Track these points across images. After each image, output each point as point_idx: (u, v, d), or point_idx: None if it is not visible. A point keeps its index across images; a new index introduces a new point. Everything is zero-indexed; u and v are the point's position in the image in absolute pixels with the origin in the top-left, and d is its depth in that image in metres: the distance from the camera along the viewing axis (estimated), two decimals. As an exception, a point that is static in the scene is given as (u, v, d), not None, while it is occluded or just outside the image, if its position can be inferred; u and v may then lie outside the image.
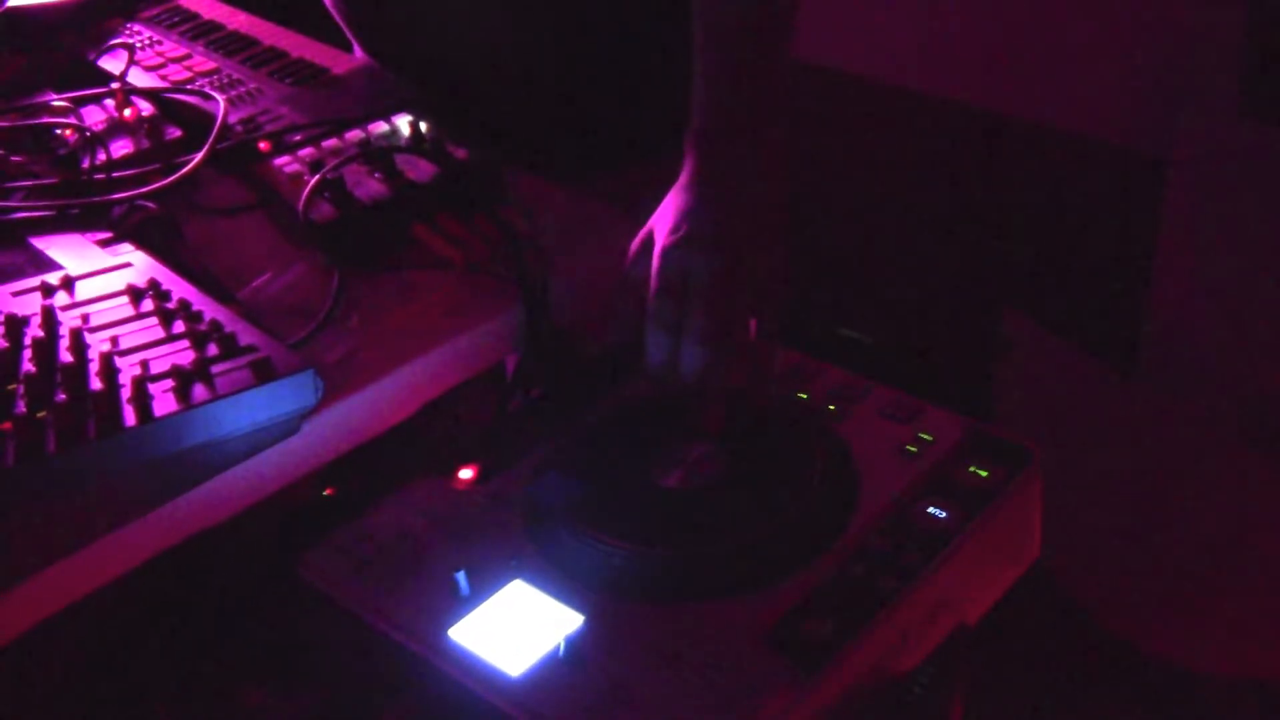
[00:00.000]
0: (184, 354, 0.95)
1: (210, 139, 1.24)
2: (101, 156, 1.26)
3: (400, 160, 1.17)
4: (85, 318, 1.01)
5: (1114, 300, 2.07)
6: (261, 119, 1.33)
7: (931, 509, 0.90)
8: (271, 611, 0.98)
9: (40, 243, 1.15)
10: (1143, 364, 2.03)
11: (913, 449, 0.96)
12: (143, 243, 1.14)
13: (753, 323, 1.01)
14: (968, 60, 1.31)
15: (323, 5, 1.45)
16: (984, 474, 0.93)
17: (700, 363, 0.98)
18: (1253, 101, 1.85)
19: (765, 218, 1.04)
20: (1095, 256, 2.08)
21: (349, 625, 0.90)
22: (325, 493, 1.05)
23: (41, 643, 0.90)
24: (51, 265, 1.11)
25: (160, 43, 1.55)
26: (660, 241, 1.03)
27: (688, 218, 1.03)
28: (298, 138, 1.27)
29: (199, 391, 0.90)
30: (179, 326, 0.98)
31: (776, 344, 1.03)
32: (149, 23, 1.60)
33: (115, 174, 1.23)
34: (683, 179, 1.07)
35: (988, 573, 0.93)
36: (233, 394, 0.90)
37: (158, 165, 1.25)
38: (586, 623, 0.85)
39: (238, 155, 1.27)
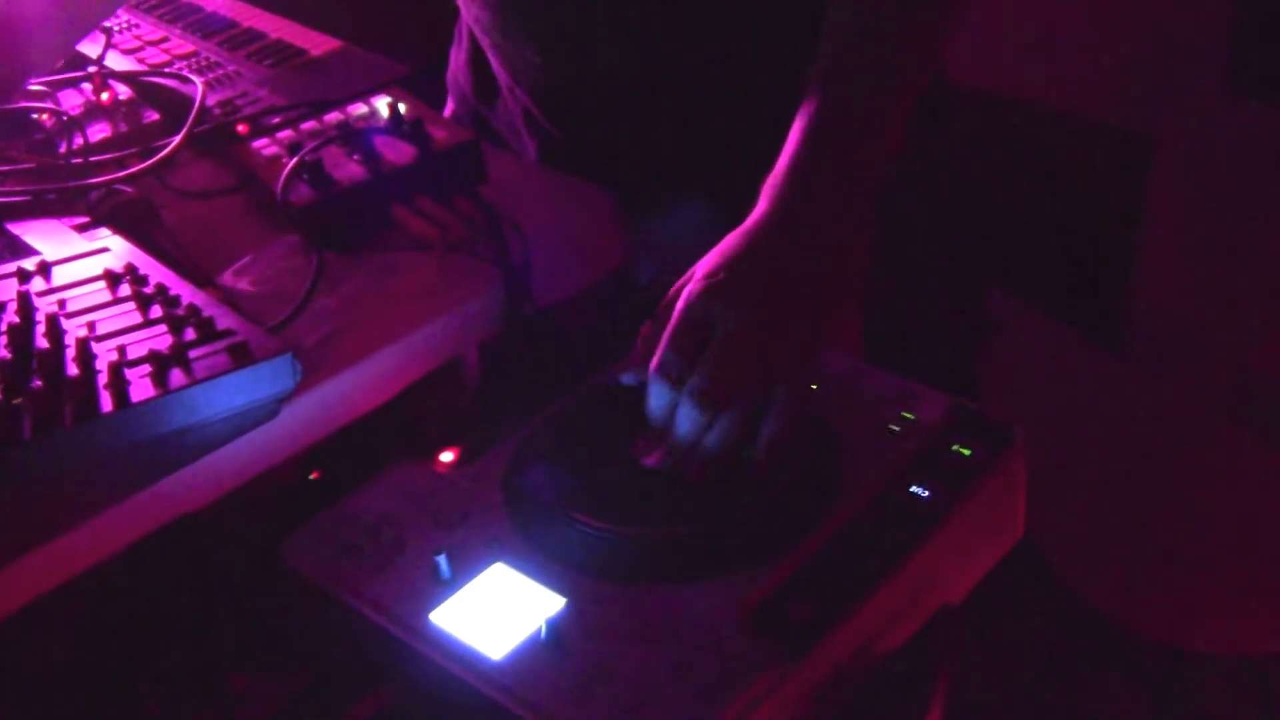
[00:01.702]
0: (161, 339, 0.94)
1: (188, 122, 1.23)
2: (78, 140, 1.25)
3: (379, 142, 1.16)
4: (62, 303, 1.01)
5: (1101, 278, 2.07)
6: (240, 101, 1.33)
7: (915, 488, 0.90)
8: (254, 596, 0.97)
9: (16, 228, 1.15)
10: (1130, 342, 2.03)
11: (896, 428, 0.96)
12: (120, 227, 1.14)
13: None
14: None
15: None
16: (967, 453, 0.92)
17: (691, 425, 0.92)
18: (1241, 78, 1.85)
19: (815, 292, 0.96)
20: (1082, 234, 2.08)
21: (331, 609, 0.90)
22: (312, 476, 1.05)
23: (22, 630, 0.89)
24: (28, 250, 1.11)
25: (137, 25, 1.54)
26: (693, 284, 0.95)
27: (729, 266, 0.95)
28: (276, 120, 1.27)
29: (176, 376, 0.90)
30: (156, 311, 0.98)
31: (782, 427, 0.93)
32: (126, 5, 1.59)
33: (92, 158, 1.23)
34: (745, 225, 0.98)
35: (971, 552, 0.93)
36: (210, 378, 0.89)
37: (135, 149, 1.24)
38: (568, 605, 0.85)
39: (216, 138, 1.27)
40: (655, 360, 0.94)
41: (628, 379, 0.97)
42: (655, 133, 1.28)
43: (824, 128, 1.00)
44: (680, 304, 0.95)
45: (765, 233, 0.97)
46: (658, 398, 0.94)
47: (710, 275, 0.95)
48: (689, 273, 0.97)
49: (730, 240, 0.97)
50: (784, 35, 1.04)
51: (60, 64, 1.38)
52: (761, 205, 0.98)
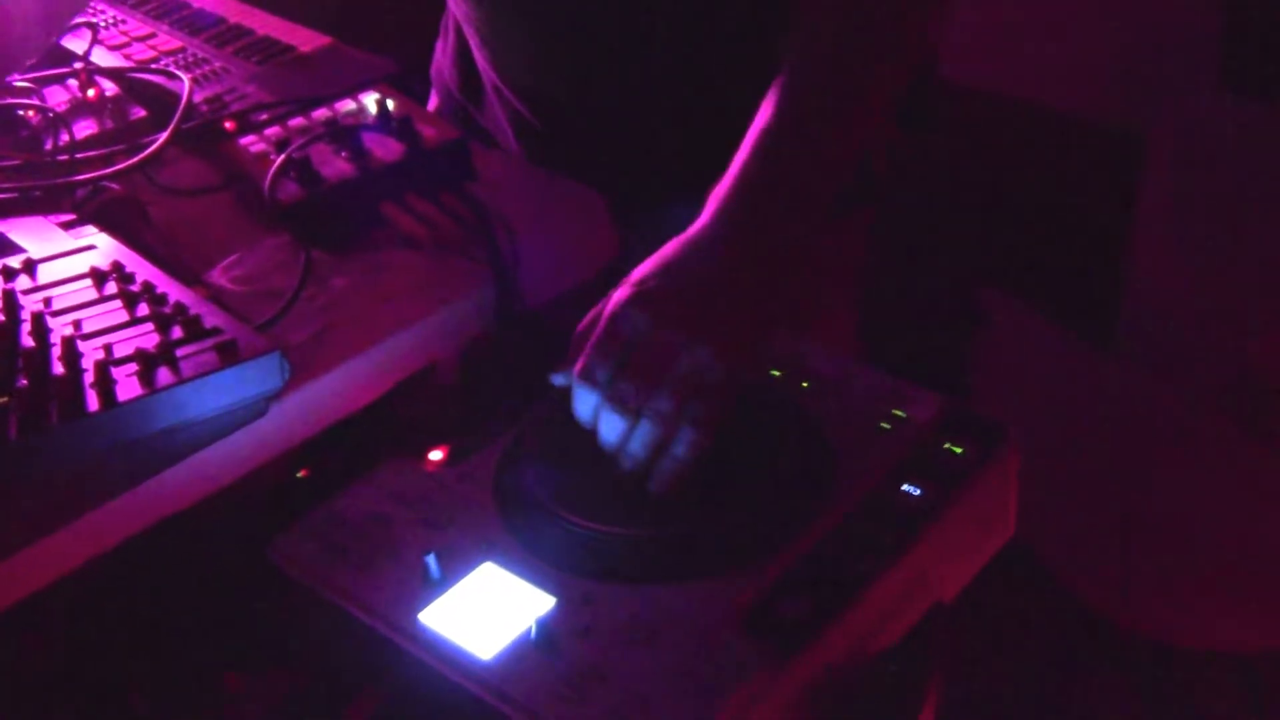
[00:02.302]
0: (148, 337, 0.94)
1: (175, 119, 1.23)
2: (65, 137, 1.25)
3: (368, 139, 1.16)
4: (47, 301, 1.01)
5: (1092, 274, 2.07)
6: (227, 98, 1.33)
7: (907, 487, 0.90)
8: (243, 597, 0.97)
9: (1, 225, 1.14)
10: (1121, 339, 2.04)
11: (887, 426, 0.96)
12: (106, 225, 1.13)
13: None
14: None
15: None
16: (959, 451, 0.92)
17: (613, 431, 0.92)
18: (1232, 75, 1.85)
19: (745, 309, 0.94)
20: (1073, 231, 2.08)
21: (319, 610, 0.90)
22: (300, 474, 1.05)
23: (10, 631, 0.89)
24: (13, 248, 1.10)
25: (124, 21, 1.53)
26: (621, 290, 0.94)
27: (661, 274, 0.94)
28: (264, 117, 1.27)
29: (163, 375, 0.89)
30: (143, 309, 0.98)
31: (691, 446, 0.91)
32: (112, 1, 1.59)
33: (78, 155, 1.23)
34: (685, 234, 0.97)
35: (963, 550, 0.93)
36: (198, 377, 0.89)
37: (122, 146, 1.24)
38: (559, 605, 0.85)
39: (203, 135, 1.27)
40: (579, 364, 0.93)
41: (558, 380, 0.96)
42: (646, 134, 1.28)
43: (775, 146, 0.99)
44: (607, 308, 0.94)
45: (702, 245, 0.96)
46: (581, 402, 0.94)
47: (641, 282, 0.94)
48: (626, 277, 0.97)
49: (668, 248, 0.96)
50: (778, 37, 1.04)
51: (35, 60, 1.37)
52: (704, 216, 0.97)
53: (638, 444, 0.92)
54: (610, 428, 0.92)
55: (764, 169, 0.98)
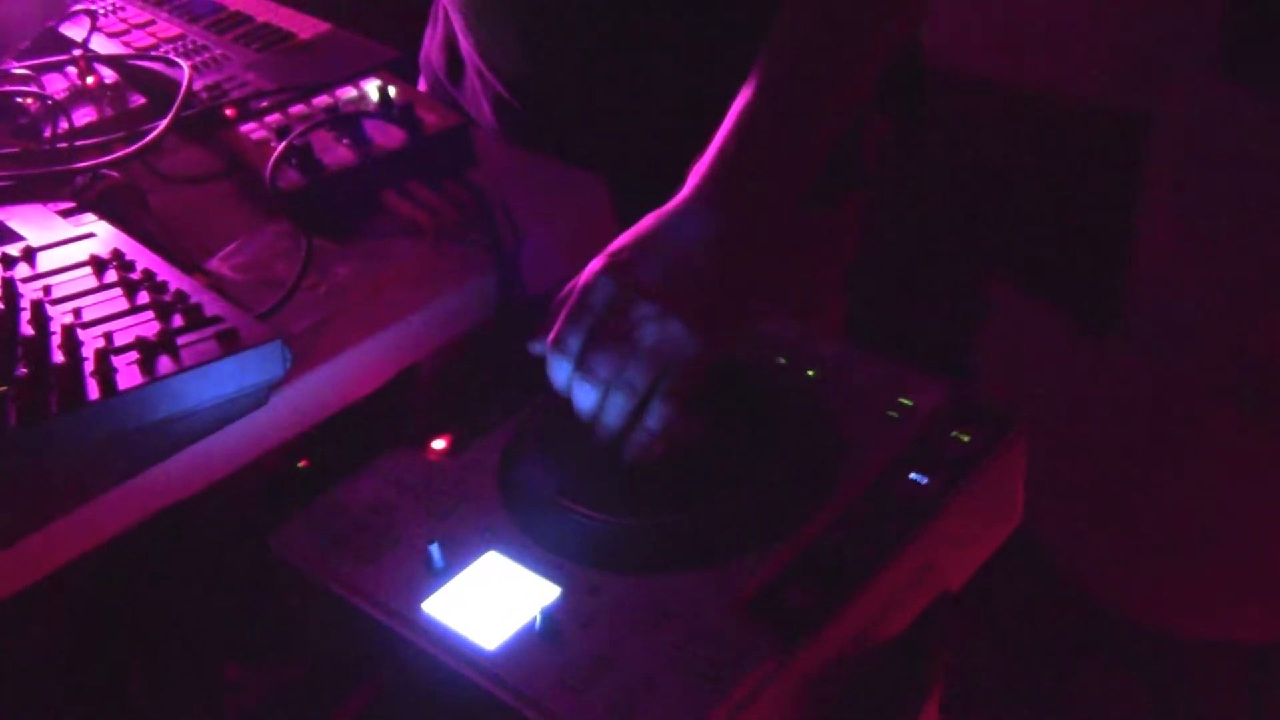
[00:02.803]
0: (148, 325, 0.94)
1: (175, 106, 1.22)
2: (64, 125, 1.24)
3: (369, 126, 1.15)
4: (47, 289, 1.00)
5: (1097, 261, 2.06)
6: (227, 85, 1.32)
7: (913, 475, 0.89)
8: (244, 587, 0.97)
9: (1, 213, 1.14)
10: (1125, 326, 2.03)
11: (894, 414, 0.95)
12: (106, 213, 1.13)
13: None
14: (941, 16, 1.30)
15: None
16: (966, 439, 0.92)
17: (585, 401, 0.93)
18: (1232, 63, 1.84)
19: (716, 285, 0.94)
20: (1077, 217, 2.08)
21: (321, 600, 0.90)
22: (300, 464, 1.04)
23: (9, 622, 0.89)
24: (12, 236, 1.10)
25: (123, 8, 1.53)
26: (596, 260, 0.95)
27: (635, 246, 0.95)
28: (264, 104, 1.26)
29: (164, 364, 0.89)
30: (143, 297, 0.97)
31: (663, 418, 0.92)
32: (112, -11, 1.58)
33: (78, 143, 1.23)
34: (663, 207, 0.98)
35: (971, 539, 0.92)
36: (199, 366, 0.89)
37: (121, 133, 1.24)
38: (563, 594, 0.84)
39: (203, 123, 1.27)
40: (552, 335, 0.94)
41: (535, 349, 0.97)
42: (629, 120, 1.27)
43: (754, 123, 0.99)
44: (581, 279, 0.95)
45: (679, 218, 0.96)
46: (554, 371, 0.95)
47: (615, 253, 0.95)
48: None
49: (645, 221, 0.97)
50: (766, 21, 1.04)
51: (26, 45, 1.37)
52: (684, 190, 0.98)
53: (610, 415, 0.93)
54: (583, 397, 0.93)
55: (743, 145, 0.99)
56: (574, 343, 0.93)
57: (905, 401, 0.96)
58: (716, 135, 1.00)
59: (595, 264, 0.95)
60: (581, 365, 0.93)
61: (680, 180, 1.00)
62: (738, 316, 0.97)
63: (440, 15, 1.41)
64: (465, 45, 1.33)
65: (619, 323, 0.92)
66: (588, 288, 0.94)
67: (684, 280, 0.93)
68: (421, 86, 1.45)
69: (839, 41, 1.03)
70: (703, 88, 1.18)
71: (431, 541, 0.88)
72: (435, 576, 0.87)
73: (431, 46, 1.43)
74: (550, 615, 0.82)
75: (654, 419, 0.92)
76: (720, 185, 0.97)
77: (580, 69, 1.25)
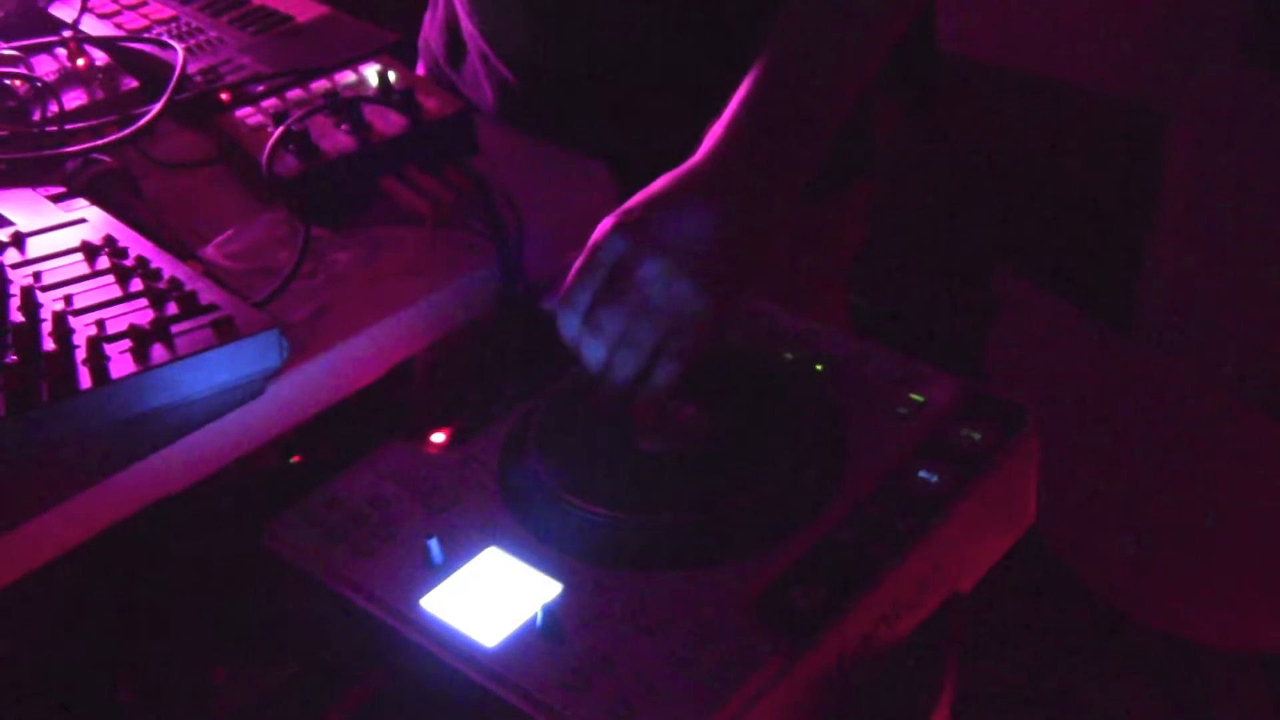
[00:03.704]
0: (142, 313, 0.94)
1: (168, 90, 1.23)
2: (53, 108, 1.25)
3: (368, 111, 1.16)
4: (37, 276, 1.01)
5: (1111, 257, 2.07)
6: (222, 69, 1.32)
7: (923, 473, 0.90)
8: (236, 582, 0.97)
9: (-10, 198, 1.14)
10: (1140, 323, 2.04)
11: (904, 411, 0.96)
12: (98, 198, 1.13)
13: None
14: (957, 6, 1.30)
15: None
16: (978, 437, 0.92)
17: (593, 358, 0.95)
18: (1256, 50, 1.84)
19: (726, 249, 0.97)
20: (1092, 211, 2.08)
21: (316, 596, 0.90)
22: (292, 460, 1.05)
23: (-6, 617, 0.89)
24: (1, 221, 1.10)
25: (115, -12, 1.53)
26: (608, 219, 0.98)
27: (647, 205, 0.97)
28: (260, 88, 1.26)
29: (158, 352, 0.89)
30: (136, 285, 0.98)
31: (668, 377, 0.96)
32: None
33: (68, 126, 1.23)
34: (678, 168, 1.00)
35: (982, 539, 0.93)
36: (193, 355, 0.89)
37: (113, 117, 1.24)
38: (565, 591, 0.85)
39: (197, 107, 1.27)
40: (562, 292, 0.97)
41: (547, 304, 1.00)
42: (634, 101, 1.28)
43: (771, 90, 1.02)
44: (592, 237, 0.97)
45: (691, 180, 0.99)
46: (564, 328, 0.97)
47: (628, 212, 0.97)
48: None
49: (659, 182, 0.99)
50: (771, 13, 1.05)
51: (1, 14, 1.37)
52: (698, 153, 1.01)
53: (617, 372, 0.95)
54: (591, 353, 0.95)
55: (759, 108, 1.01)
56: (583, 299, 0.96)
57: (915, 397, 0.96)
58: (733, 98, 1.02)
59: (607, 222, 0.97)
60: (590, 321, 0.95)
61: (674, 165, 1.01)
62: (747, 279, 0.99)
63: None
64: (469, 27, 1.33)
65: (628, 280, 0.95)
66: (598, 245, 0.96)
67: (695, 240, 0.96)
68: (420, 70, 1.45)
69: (853, 10, 1.05)
70: (711, 74, 1.19)
71: (430, 536, 0.88)
72: (434, 572, 0.87)
73: (431, 30, 1.43)
74: (552, 613, 0.83)
75: (661, 376, 0.95)
76: (735, 148, 1.00)
77: (588, 51, 1.25)
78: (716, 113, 1.02)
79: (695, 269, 0.94)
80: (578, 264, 0.97)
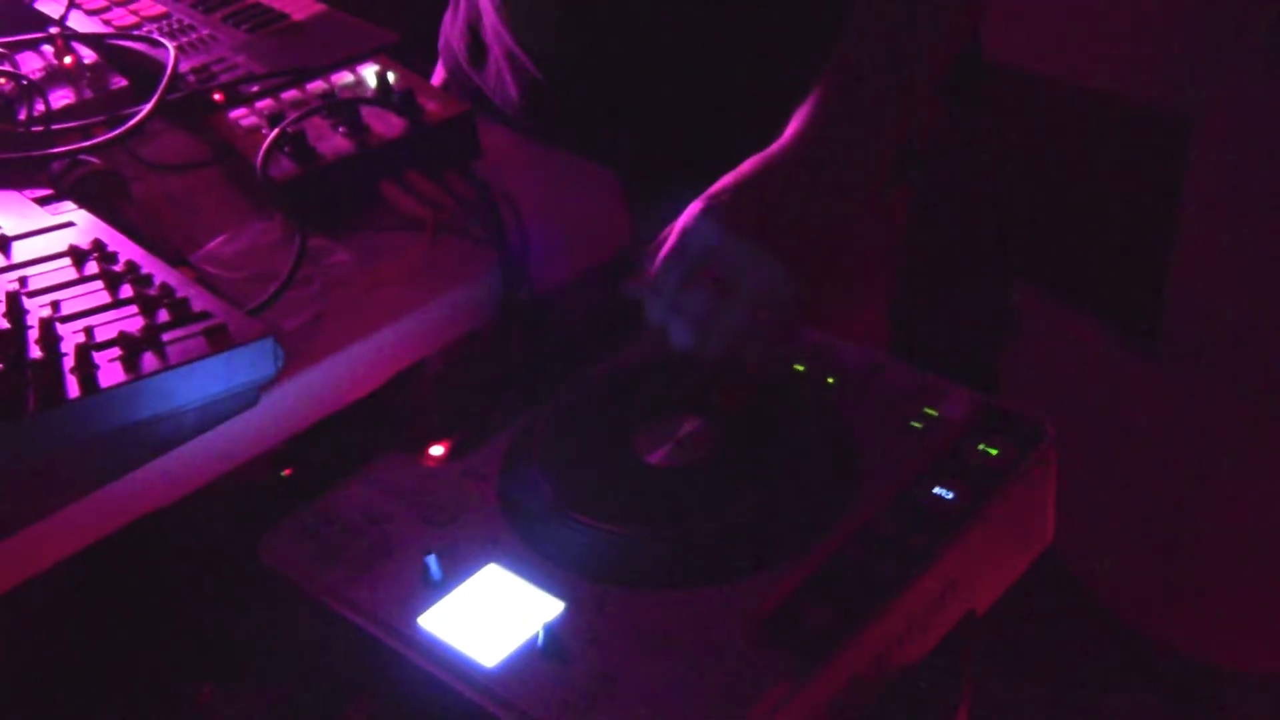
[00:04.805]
0: (132, 320, 0.94)
1: (159, 89, 1.23)
2: (40, 107, 1.25)
3: (366, 113, 1.16)
4: (23, 281, 1.01)
5: (1134, 268, 2.07)
6: (215, 68, 1.33)
7: (938, 489, 0.90)
8: (227, 599, 0.98)
9: (-26, 200, 1.14)
10: (1165, 338, 2.04)
11: (918, 425, 0.96)
12: (86, 201, 1.14)
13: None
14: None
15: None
16: (994, 452, 0.93)
17: (682, 341, 0.99)
18: (1284, 55, 1.85)
19: (816, 231, 1.01)
20: (1114, 221, 2.08)
21: (311, 613, 0.90)
22: (284, 473, 1.05)
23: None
24: (-14, 224, 1.11)
25: (104, -16, 1.54)
26: (696, 203, 1.02)
27: (736, 189, 1.01)
28: (255, 88, 1.27)
29: (149, 361, 0.89)
30: (126, 291, 0.98)
31: (762, 356, 1.01)
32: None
33: (55, 126, 1.23)
34: (765, 151, 1.04)
35: (998, 558, 0.93)
36: (185, 363, 0.89)
37: (102, 117, 1.24)
38: (567, 610, 0.85)
39: (190, 107, 1.27)
40: (650, 274, 1.00)
41: (630, 290, 1.03)
42: (668, 111, 1.29)
43: (855, 75, 1.06)
44: (680, 221, 1.01)
45: (780, 162, 1.03)
46: (652, 312, 1.00)
47: (715, 196, 1.01)
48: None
49: (745, 166, 1.03)
50: (817, 28, 1.07)
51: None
52: (784, 137, 1.04)
53: (705, 355, 0.99)
54: (679, 337, 0.99)
55: (843, 95, 1.05)
56: (671, 281, 0.99)
57: (930, 411, 0.97)
58: (817, 82, 1.06)
59: (694, 206, 1.01)
60: (678, 305, 0.98)
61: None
62: (834, 261, 1.03)
63: None
64: (496, 26, 1.34)
65: (717, 264, 0.98)
66: (686, 229, 1.00)
67: (785, 225, 1.00)
68: (440, 71, 1.46)
69: (923, 10, 1.09)
70: (743, 76, 1.21)
71: (429, 552, 0.89)
72: (432, 589, 0.88)
73: (453, 31, 1.44)
74: (553, 632, 0.83)
75: (750, 358, 0.99)
76: (821, 131, 1.04)
77: (621, 50, 1.27)
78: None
79: (784, 251, 0.98)
80: (666, 248, 1.00)
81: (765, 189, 1.01)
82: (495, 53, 1.37)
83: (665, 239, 1.02)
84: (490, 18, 1.35)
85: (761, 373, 1.00)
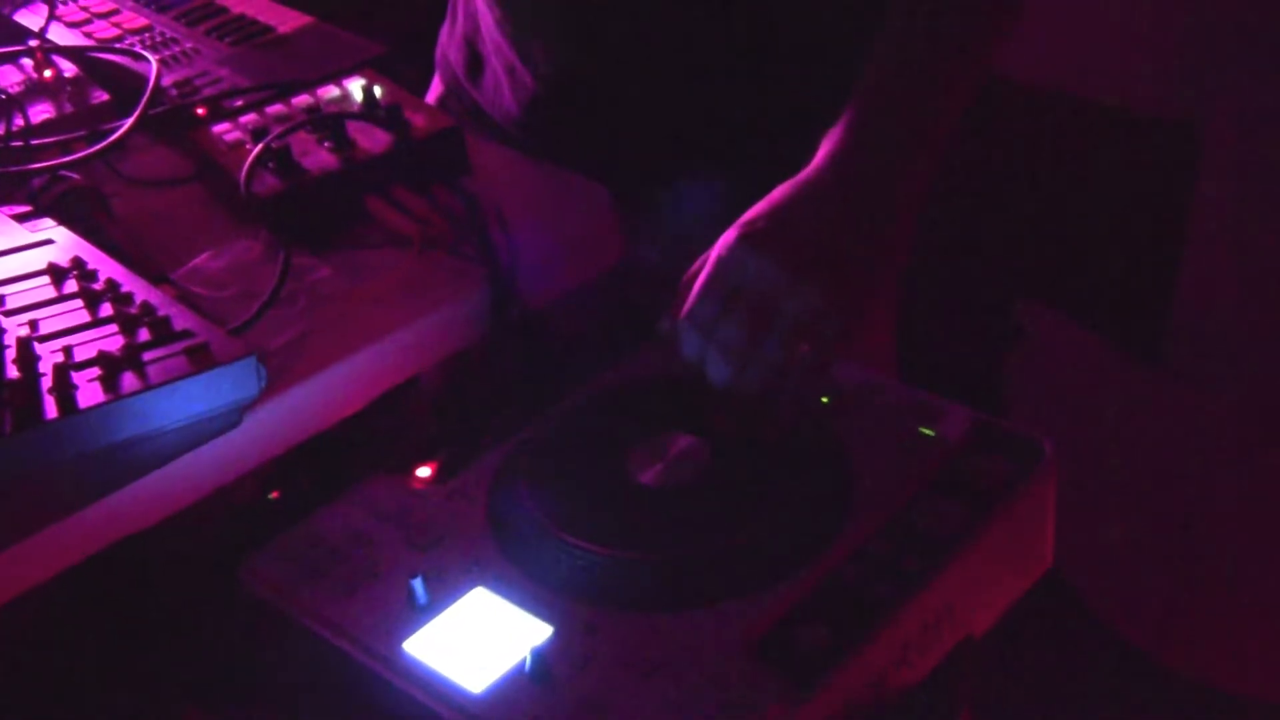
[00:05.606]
0: (112, 339, 0.94)
1: (141, 103, 1.23)
2: (19, 122, 1.25)
3: (352, 128, 1.17)
4: (0, 299, 1.01)
5: (1140, 283, 2.07)
6: (198, 81, 1.33)
7: (934, 510, 0.91)
8: (211, 622, 0.98)
9: (-49, 217, 1.15)
10: (1172, 355, 2.04)
11: (914, 444, 0.97)
12: (65, 217, 1.14)
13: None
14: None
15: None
16: (992, 471, 0.93)
17: (720, 375, 0.97)
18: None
19: (855, 256, 1.00)
20: (1120, 235, 2.08)
21: (295, 637, 0.91)
22: (271, 496, 1.05)
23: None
24: (-37, 242, 1.11)
25: (85, -4, 1.54)
26: (730, 231, 1.00)
27: (771, 215, 1.00)
28: (239, 103, 1.27)
29: (129, 381, 0.90)
30: (106, 309, 0.98)
31: (805, 387, 0.99)
32: (73, -26, 1.60)
33: (34, 141, 1.23)
34: (797, 176, 1.03)
35: (996, 580, 0.94)
36: (166, 383, 0.89)
37: (82, 132, 1.24)
38: (555, 634, 0.85)
39: (172, 122, 1.28)
40: (686, 307, 0.98)
41: (663, 324, 1.01)
42: (668, 127, 1.29)
43: (888, 99, 1.05)
44: (715, 250, 0.99)
45: (815, 190, 1.01)
46: (688, 345, 0.99)
47: (750, 224, 0.99)
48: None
49: (778, 191, 1.02)
50: (824, 46, 1.08)
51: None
52: (816, 160, 1.03)
53: (745, 389, 0.97)
54: (717, 372, 0.97)
55: (877, 118, 1.04)
56: (708, 313, 0.98)
57: (926, 430, 0.97)
58: (849, 104, 1.05)
59: (729, 235, 0.99)
60: (716, 338, 0.97)
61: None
62: (874, 288, 1.02)
63: (459, 12, 1.43)
64: (496, 39, 1.35)
65: (755, 294, 0.96)
66: (722, 259, 0.98)
67: (822, 252, 0.98)
68: (437, 84, 1.47)
69: (966, 11, 1.10)
70: (745, 97, 1.21)
71: (414, 575, 0.89)
72: (418, 613, 0.88)
73: (450, 44, 1.45)
74: (541, 656, 0.83)
75: (791, 390, 0.97)
76: (856, 155, 1.03)
77: (620, 64, 1.28)
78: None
79: (825, 281, 0.97)
80: (701, 279, 0.99)
81: (802, 216, 1.00)
82: (493, 65, 1.37)
83: (698, 270, 1.00)
84: (488, 30, 1.35)
85: (799, 411, 0.99)
